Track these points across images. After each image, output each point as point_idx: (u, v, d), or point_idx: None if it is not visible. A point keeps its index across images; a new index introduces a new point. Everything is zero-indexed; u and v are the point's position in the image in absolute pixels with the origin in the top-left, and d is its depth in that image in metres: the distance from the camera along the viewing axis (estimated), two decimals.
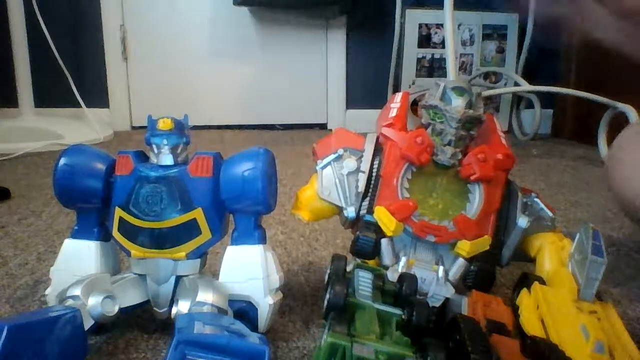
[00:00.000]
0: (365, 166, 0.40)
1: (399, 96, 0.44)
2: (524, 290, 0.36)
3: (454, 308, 0.37)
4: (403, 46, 1.67)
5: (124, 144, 1.38)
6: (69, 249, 0.41)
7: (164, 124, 0.38)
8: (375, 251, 0.38)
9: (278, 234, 0.65)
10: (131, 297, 0.39)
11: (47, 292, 0.41)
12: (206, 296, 0.35)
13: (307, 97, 1.76)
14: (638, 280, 0.51)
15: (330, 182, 0.41)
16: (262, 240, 0.39)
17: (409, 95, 0.44)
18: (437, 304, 0.37)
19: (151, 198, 0.38)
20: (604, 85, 1.39)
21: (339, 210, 0.41)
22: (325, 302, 0.31)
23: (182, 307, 0.36)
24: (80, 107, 1.43)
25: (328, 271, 0.37)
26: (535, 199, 0.41)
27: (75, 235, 0.41)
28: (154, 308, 0.39)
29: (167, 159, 0.38)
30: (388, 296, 0.34)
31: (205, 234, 0.38)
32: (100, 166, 0.40)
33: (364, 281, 0.33)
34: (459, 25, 1.66)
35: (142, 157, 0.40)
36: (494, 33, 1.70)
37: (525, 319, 0.34)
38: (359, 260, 0.39)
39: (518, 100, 1.71)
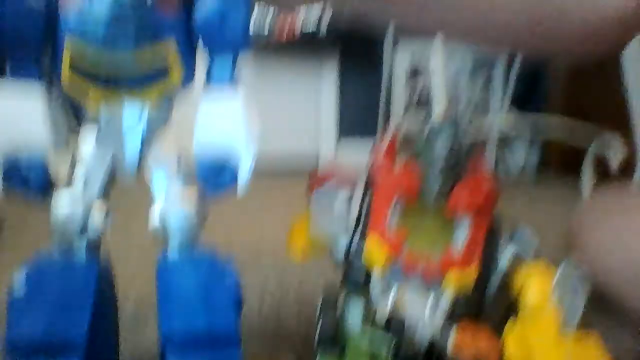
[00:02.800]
0: (356, 199, 0.42)
1: (389, 132, 0.46)
2: (510, 321, 0.38)
3: (442, 339, 0.37)
4: (394, 77, 1.71)
5: None
6: (4, 96, 0.32)
7: None
8: (366, 282, 0.39)
9: (270, 277, 0.66)
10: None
11: None
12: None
13: (299, 128, 1.79)
14: (623, 325, 0.52)
15: (322, 216, 0.42)
16: (240, 83, 0.35)
17: (398, 131, 0.46)
18: (426, 335, 0.38)
19: (116, 22, 0.30)
20: (591, 119, 1.43)
21: (331, 244, 0.42)
22: (317, 332, 0.32)
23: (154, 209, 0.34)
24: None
25: (320, 302, 0.38)
26: (521, 232, 0.43)
27: (11, 74, 0.32)
28: (119, 165, 0.35)
29: None
30: (378, 326, 0.35)
31: (177, 73, 0.33)
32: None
33: (355, 310, 0.34)
34: (448, 58, 1.71)
35: None
36: (482, 66, 1.75)
37: (511, 349, 0.35)
38: (350, 291, 0.40)
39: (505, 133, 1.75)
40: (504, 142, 1.75)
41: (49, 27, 0.31)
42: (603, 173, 0.62)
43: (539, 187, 1.34)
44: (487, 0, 0.42)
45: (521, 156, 1.57)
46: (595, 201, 0.57)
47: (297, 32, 1.49)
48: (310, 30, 1.50)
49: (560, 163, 1.66)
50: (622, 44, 0.46)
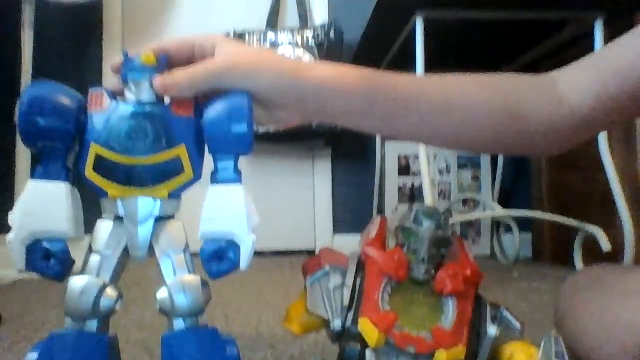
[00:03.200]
0: (349, 281, 0.45)
1: (377, 220, 0.50)
2: None
3: None
4: (385, 175, 1.79)
5: None
6: (35, 191, 0.37)
7: (148, 59, 0.37)
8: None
9: (268, 356, 0.67)
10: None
11: (9, 238, 0.36)
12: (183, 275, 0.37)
13: (296, 224, 1.83)
14: None
15: (318, 296, 0.45)
16: (241, 180, 0.39)
17: (386, 219, 0.50)
18: None
19: (135, 133, 0.36)
20: (575, 208, 1.49)
21: (326, 323, 0.44)
22: None
23: (162, 291, 0.37)
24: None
25: None
26: (504, 312, 0.45)
27: (42, 176, 0.37)
28: (131, 251, 0.38)
29: (148, 95, 0.37)
30: None
31: (188, 173, 0.38)
32: (72, 101, 0.37)
33: None
34: (435, 156, 1.80)
35: (113, 94, 0.39)
36: (469, 163, 1.84)
37: None
38: None
39: (497, 226, 1.79)
40: (497, 232, 1.79)
41: (78, 128, 0.37)
42: (595, 259, 0.65)
43: (532, 275, 1.35)
44: (457, 121, 0.47)
45: (514, 246, 1.59)
46: (578, 280, 0.59)
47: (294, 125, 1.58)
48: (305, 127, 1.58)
49: (551, 255, 1.69)
50: (586, 137, 0.51)
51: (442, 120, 0.47)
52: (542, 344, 0.40)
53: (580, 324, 0.51)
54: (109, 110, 0.37)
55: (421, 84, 0.48)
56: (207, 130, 0.38)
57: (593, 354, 0.48)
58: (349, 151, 1.84)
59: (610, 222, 1.25)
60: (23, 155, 1.42)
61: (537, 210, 1.64)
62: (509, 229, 1.70)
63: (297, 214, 1.84)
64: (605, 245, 1.16)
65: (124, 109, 0.37)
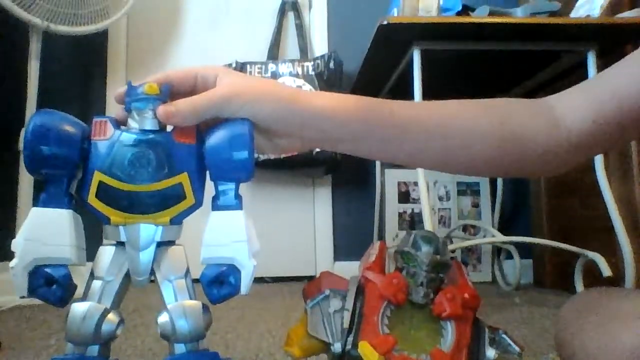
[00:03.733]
0: (349, 305, 0.45)
1: (376, 245, 0.51)
2: None
3: None
4: (385, 202, 1.80)
5: None
6: (38, 218, 0.37)
7: (151, 88, 0.38)
8: None
9: None
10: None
11: (11, 264, 0.37)
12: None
13: (296, 251, 1.83)
14: None
15: (318, 319, 0.45)
16: (242, 206, 0.40)
17: (385, 243, 0.51)
18: None
19: (138, 161, 0.37)
20: (575, 234, 1.50)
21: (326, 346, 0.45)
22: None
23: (163, 316, 0.37)
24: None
25: None
26: (503, 335, 0.46)
27: (45, 203, 0.38)
28: (133, 276, 0.39)
29: (151, 124, 0.38)
30: None
31: (189, 199, 0.38)
32: (76, 130, 0.38)
33: None
34: (435, 182, 1.82)
35: (116, 123, 0.39)
36: (468, 189, 1.85)
37: None
38: None
39: (498, 252, 1.79)
40: (498, 258, 1.79)
41: (82, 156, 0.38)
42: (596, 284, 0.65)
43: (533, 300, 1.35)
44: (454, 146, 0.48)
45: (515, 271, 1.59)
46: (577, 303, 0.60)
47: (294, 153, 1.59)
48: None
49: (552, 280, 1.68)
50: (582, 159, 0.52)
51: (439, 145, 0.48)
52: None
53: (580, 347, 0.51)
54: (113, 139, 0.38)
55: (418, 109, 0.49)
56: (208, 157, 0.39)
57: None
58: (348, 178, 1.86)
59: (610, 247, 1.26)
60: (26, 182, 1.43)
61: (537, 237, 1.64)
62: (509, 255, 1.70)
63: (298, 241, 1.84)
64: (606, 271, 1.16)
65: (127, 137, 0.38)
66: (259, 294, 1.44)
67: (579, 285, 1.29)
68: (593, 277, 1.24)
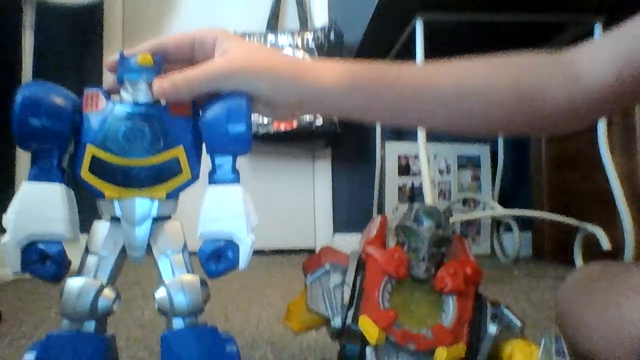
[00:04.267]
0: (349, 279, 0.45)
1: (378, 218, 0.50)
2: None
3: None
4: (385, 175, 1.79)
5: None
6: (30, 192, 0.36)
7: (144, 59, 0.37)
8: (360, 359, 0.41)
9: (268, 353, 0.67)
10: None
11: (3, 241, 0.36)
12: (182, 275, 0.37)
13: (296, 223, 1.83)
14: None
15: (318, 294, 0.45)
16: (239, 180, 0.39)
17: (386, 218, 0.51)
18: None
19: (132, 134, 0.36)
20: (575, 207, 1.50)
21: (326, 321, 0.45)
22: None
23: (161, 291, 0.36)
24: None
25: None
26: (504, 310, 0.46)
27: (36, 178, 0.36)
28: (129, 251, 0.38)
29: (145, 96, 0.37)
30: None
31: (186, 174, 0.38)
32: (66, 102, 0.36)
33: None
34: (435, 155, 1.80)
35: (109, 95, 0.38)
36: (468, 163, 1.84)
37: None
38: None
39: (497, 225, 1.79)
40: (498, 231, 1.80)
41: (73, 129, 0.36)
42: (595, 258, 0.65)
43: (532, 273, 1.36)
44: (467, 107, 0.46)
45: (514, 244, 1.60)
46: (579, 277, 0.59)
47: (294, 126, 1.58)
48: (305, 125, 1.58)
49: (551, 253, 1.69)
50: (601, 116, 0.49)
51: (451, 107, 0.46)
52: (543, 343, 0.41)
53: (582, 321, 0.51)
54: (105, 111, 0.37)
55: (428, 71, 0.47)
56: (205, 131, 0.38)
57: (595, 351, 0.48)
58: (349, 151, 1.85)
59: (610, 221, 1.26)
60: (24, 156, 1.42)
61: (537, 210, 1.64)
62: (509, 228, 1.70)
63: (297, 213, 1.85)
64: (605, 244, 1.16)
65: (121, 109, 0.37)
66: (258, 266, 1.44)
67: (578, 259, 1.30)
68: (592, 251, 1.24)
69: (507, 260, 1.65)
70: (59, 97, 0.36)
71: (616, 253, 1.18)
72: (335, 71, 0.43)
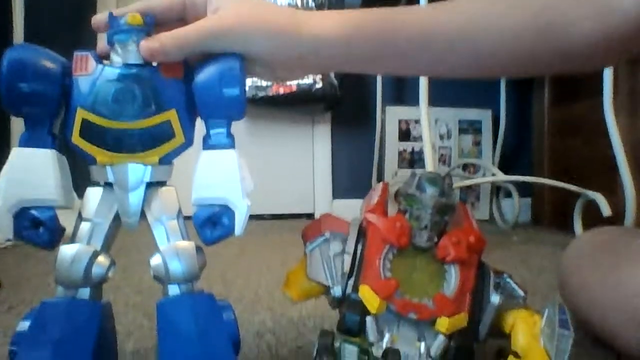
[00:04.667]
0: (350, 248, 0.44)
1: (379, 185, 0.49)
2: None
3: None
4: (385, 140, 1.77)
5: None
6: (21, 158, 0.35)
7: (134, 19, 0.36)
8: (360, 328, 0.41)
9: (267, 319, 0.67)
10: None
11: None
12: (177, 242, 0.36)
13: (295, 188, 1.83)
14: (610, 357, 0.53)
15: (318, 263, 0.44)
16: (234, 145, 0.38)
17: (388, 184, 0.49)
18: None
19: (122, 97, 0.35)
20: (576, 173, 1.49)
21: (326, 289, 0.44)
22: None
23: (156, 257, 0.36)
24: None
25: (315, 346, 0.39)
26: (507, 279, 0.45)
27: (27, 143, 0.35)
28: (122, 218, 0.37)
29: (135, 57, 0.36)
30: None
31: (179, 138, 0.36)
32: (55, 65, 0.35)
33: (350, 354, 0.35)
34: (436, 120, 1.78)
35: (99, 57, 0.37)
36: (470, 127, 1.82)
37: None
38: (345, 337, 0.41)
39: (497, 190, 1.79)
40: (497, 196, 1.79)
41: (63, 93, 0.35)
42: (595, 224, 0.64)
43: (531, 239, 1.36)
44: (483, 50, 0.42)
45: (513, 210, 1.59)
46: (582, 243, 0.59)
47: (293, 89, 1.55)
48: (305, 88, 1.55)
49: (550, 220, 1.69)
50: (627, 54, 0.46)
51: (463, 51, 0.43)
52: (546, 313, 0.40)
53: (584, 287, 0.51)
54: (95, 74, 0.35)
55: (436, 14, 0.43)
56: (197, 94, 0.37)
57: (596, 317, 0.47)
58: (348, 116, 1.82)
59: (611, 188, 1.25)
60: (18, 122, 1.39)
61: (537, 176, 1.63)
62: (508, 194, 1.70)
63: (296, 178, 1.83)
64: (606, 210, 1.15)
65: (110, 72, 0.35)
66: (257, 232, 1.44)
67: (578, 225, 1.30)
68: (592, 217, 1.23)
69: (505, 226, 1.65)
70: (48, 60, 0.35)
71: (616, 220, 1.18)
72: (335, 20, 0.40)
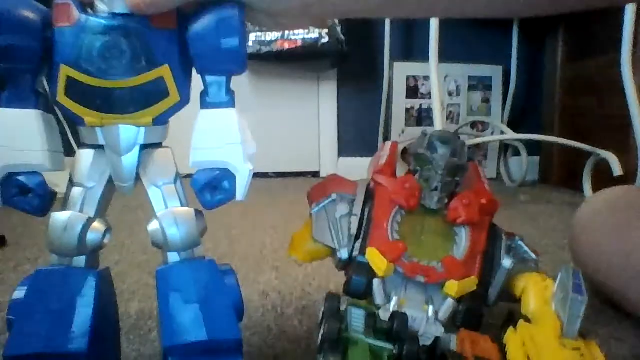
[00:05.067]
0: (357, 210, 0.43)
1: (388, 145, 0.47)
2: (510, 329, 0.38)
3: (443, 346, 0.38)
4: (392, 97, 1.73)
5: None
6: (2, 120, 0.32)
7: None
8: (367, 291, 0.40)
9: (272, 278, 0.67)
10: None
11: None
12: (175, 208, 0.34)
13: (300, 146, 1.81)
14: (624, 322, 0.52)
15: (324, 225, 0.43)
16: (234, 103, 0.35)
17: (397, 144, 0.47)
18: (428, 343, 0.38)
19: (108, 52, 0.31)
20: (587, 132, 1.45)
21: (333, 252, 0.43)
22: (320, 337, 0.32)
23: (153, 224, 0.34)
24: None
25: (322, 309, 0.38)
26: (519, 242, 0.43)
27: (8, 103, 0.32)
28: (116, 182, 0.35)
29: (123, 6, 0.32)
30: (380, 333, 0.35)
31: (173, 96, 0.33)
32: (35, 15, 0.32)
33: (356, 318, 0.34)
34: (445, 76, 1.73)
35: (82, 6, 0.32)
36: (479, 84, 1.77)
37: (512, 355, 0.35)
38: (352, 300, 0.40)
39: (505, 148, 1.76)
40: (505, 154, 1.77)
41: (44, 47, 0.31)
42: (604, 184, 0.63)
43: (539, 198, 1.35)
44: None
45: (521, 169, 1.57)
46: (596, 199, 0.57)
47: (298, 44, 1.50)
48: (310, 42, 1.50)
49: (559, 179, 1.67)
50: None
51: None
52: (559, 277, 0.39)
53: (598, 247, 0.49)
54: (78, 25, 0.31)
55: None
56: (192, 46, 0.33)
57: (607, 275, 0.46)
58: (355, 72, 1.77)
59: (622, 147, 1.22)
60: None
61: (547, 134, 1.60)
62: (515, 152, 1.67)
63: (302, 136, 1.81)
64: (617, 170, 1.13)
65: (95, 23, 0.31)
66: (262, 190, 1.44)
67: (588, 185, 1.28)
68: (601, 177, 1.21)
69: (512, 184, 1.63)
70: (26, 9, 0.31)
71: (626, 181, 1.16)
72: None
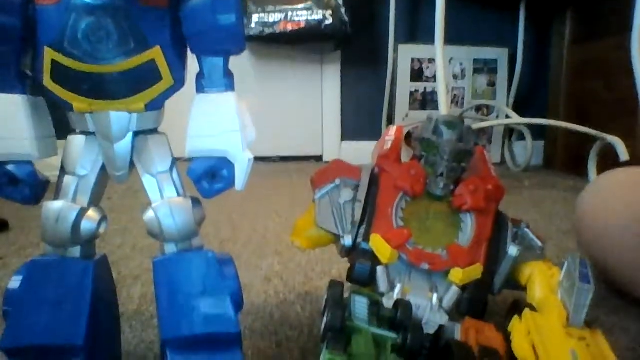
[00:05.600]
0: (361, 196, 0.42)
1: (393, 129, 0.46)
2: (516, 317, 0.37)
3: (447, 334, 0.37)
4: (396, 80, 1.71)
5: None
6: None
7: None
8: (371, 278, 0.39)
9: (275, 264, 0.66)
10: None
11: None
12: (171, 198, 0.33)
13: (303, 129, 1.79)
14: (630, 310, 0.52)
15: (327, 211, 0.42)
16: (233, 86, 0.33)
17: (402, 128, 0.46)
18: (432, 331, 0.38)
19: (94, 34, 0.28)
20: (593, 116, 1.44)
21: (336, 238, 0.42)
22: (323, 325, 0.32)
23: (149, 214, 0.33)
24: None
25: (325, 297, 0.38)
26: (525, 229, 0.43)
27: None
28: (110, 172, 0.33)
29: None
30: (384, 322, 0.35)
31: (167, 80, 0.31)
32: None
33: (360, 306, 0.34)
34: (450, 59, 1.71)
35: None
36: (485, 67, 1.75)
37: (517, 344, 0.35)
38: (355, 288, 0.40)
39: (510, 133, 1.74)
40: (509, 139, 1.75)
41: (26, 26, 0.29)
42: (609, 169, 0.62)
43: (543, 183, 1.34)
44: None
45: (526, 153, 1.56)
46: (602, 182, 0.57)
47: (301, 25, 1.48)
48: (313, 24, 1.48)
49: (563, 163, 1.66)
50: None
51: None
52: (565, 265, 0.38)
53: (604, 230, 0.49)
54: (62, 3, 0.29)
55: None
56: (186, 25, 0.30)
57: (611, 256, 0.46)
58: (359, 55, 1.75)
59: (628, 132, 1.21)
60: None
61: (552, 118, 1.58)
62: (520, 136, 1.66)
63: (305, 120, 1.80)
64: (623, 155, 1.12)
65: (79, 0, 0.28)
66: (265, 174, 1.43)
67: (593, 170, 1.26)
68: (606, 162, 1.20)
69: (517, 169, 1.62)
70: None
71: (633, 165, 1.15)
72: None
